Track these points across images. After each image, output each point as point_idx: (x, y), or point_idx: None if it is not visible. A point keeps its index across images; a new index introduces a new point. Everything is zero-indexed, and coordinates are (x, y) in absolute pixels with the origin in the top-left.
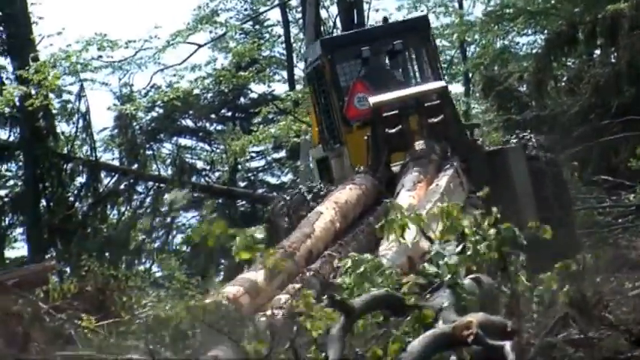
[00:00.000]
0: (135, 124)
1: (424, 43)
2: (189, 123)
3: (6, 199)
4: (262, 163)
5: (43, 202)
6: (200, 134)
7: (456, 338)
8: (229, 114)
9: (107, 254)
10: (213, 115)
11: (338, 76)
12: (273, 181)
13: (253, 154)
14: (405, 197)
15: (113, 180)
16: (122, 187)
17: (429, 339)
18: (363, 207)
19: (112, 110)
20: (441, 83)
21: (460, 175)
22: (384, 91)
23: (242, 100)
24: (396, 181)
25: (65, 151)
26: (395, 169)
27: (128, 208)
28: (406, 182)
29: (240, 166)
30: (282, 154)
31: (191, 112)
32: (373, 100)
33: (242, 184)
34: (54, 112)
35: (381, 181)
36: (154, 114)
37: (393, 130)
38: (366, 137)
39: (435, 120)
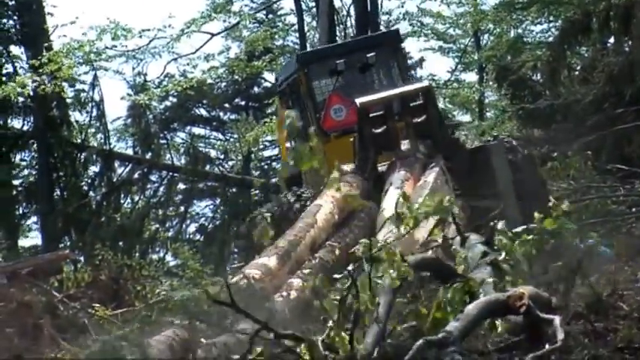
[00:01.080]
0: (148, 113)
1: (396, 55)
2: (202, 112)
3: (20, 189)
4: (275, 152)
5: (57, 192)
6: (214, 123)
7: (509, 307)
8: (243, 103)
9: (121, 243)
10: (226, 105)
11: (313, 89)
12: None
13: (266, 143)
14: (394, 194)
15: (127, 169)
16: (136, 176)
17: (485, 304)
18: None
19: (125, 100)
20: (425, 83)
21: (445, 173)
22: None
23: (255, 89)
24: (384, 179)
25: (79, 140)
26: (381, 168)
27: (142, 197)
28: (394, 180)
29: (253, 155)
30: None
31: (205, 101)
32: (360, 100)
33: (255, 173)
34: (67, 101)
35: (369, 180)
36: (168, 103)
37: (379, 130)
38: (352, 139)
39: (419, 119)
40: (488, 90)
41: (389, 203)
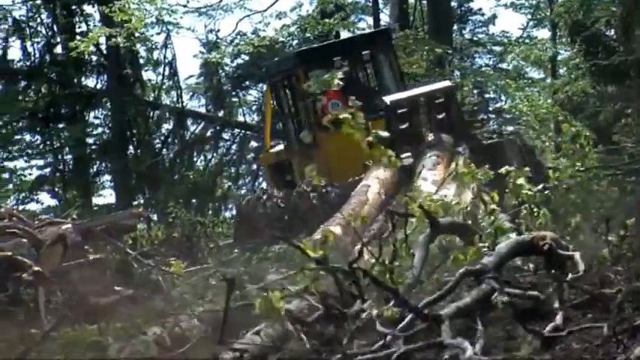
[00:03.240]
0: (221, 71)
1: (386, 52)
2: None
3: (93, 147)
4: None
5: (130, 150)
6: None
7: (534, 246)
8: None
9: (194, 201)
10: None
11: (310, 85)
12: None
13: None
14: (429, 175)
15: (199, 127)
16: (208, 134)
17: (513, 243)
18: (393, 185)
19: (198, 58)
20: (448, 83)
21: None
22: (355, 97)
23: None
24: (415, 165)
25: (152, 98)
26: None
27: (214, 154)
28: (426, 163)
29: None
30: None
31: (277, 59)
32: (389, 98)
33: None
34: (140, 59)
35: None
36: (240, 61)
37: (405, 126)
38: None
39: (442, 115)
40: (561, 47)
41: (424, 180)
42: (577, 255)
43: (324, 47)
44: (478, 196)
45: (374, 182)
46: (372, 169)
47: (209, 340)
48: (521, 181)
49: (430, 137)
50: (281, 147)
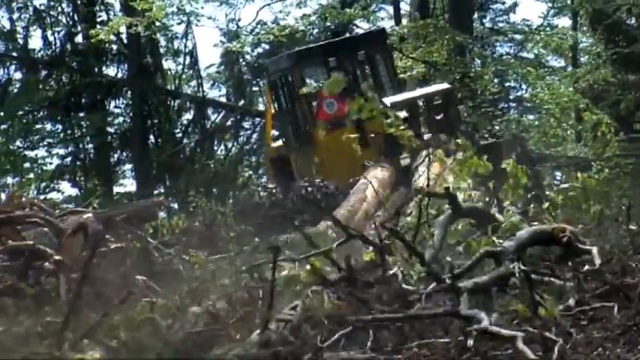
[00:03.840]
0: (241, 60)
1: (382, 53)
2: None
3: (114, 136)
4: None
5: (151, 139)
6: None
7: (553, 237)
8: None
9: (214, 190)
10: None
11: (306, 84)
12: None
13: None
14: (423, 177)
15: (220, 116)
16: (229, 123)
17: (534, 231)
18: (390, 184)
19: (218, 47)
20: (446, 85)
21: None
22: (349, 97)
23: (347, 35)
24: (411, 168)
25: (172, 87)
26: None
27: (235, 144)
28: (420, 167)
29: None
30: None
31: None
32: (390, 100)
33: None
34: (161, 49)
35: (398, 168)
36: (260, 50)
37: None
38: (372, 135)
39: (441, 117)
40: (582, 35)
41: (421, 175)
42: (594, 249)
43: (321, 47)
44: (487, 190)
45: (373, 180)
46: (370, 169)
47: (251, 314)
48: (520, 174)
49: (428, 138)
50: (280, 142)
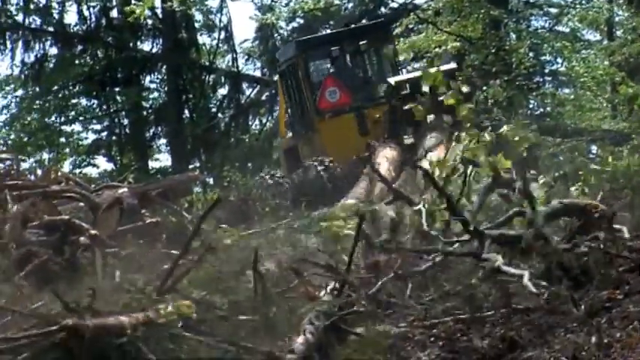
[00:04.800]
0: (276, 34)
1: (385, 43)
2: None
3: (149, 111)
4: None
5: (186, 114)
6: None
7: (585, 211)
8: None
9: (249, 165)
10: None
11: (310, 72)
12: None
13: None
14: (430, 155)
15: (255, 91)
16: (264, 97)
17: (569, 203)
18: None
19: (253, 20)
20: (452, 65)
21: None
22: (351, 85)
23: (383, 9)
24: (415, 146)
25: (207, 62)
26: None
27: (269, 118)
28: (428, 144)
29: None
30: (423, 63)
31: (332, 22)
32: (393, 80)
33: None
34: (195, 24)
35: (403, 147)
36: (295, 24)
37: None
38: (377, 116)
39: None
40: (618, 8)
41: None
42: (624, 228)
43: (324, 37)
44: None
45: (383, 161)
46: (379, 149)
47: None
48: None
49: (431, 118)
50: (291, 133)
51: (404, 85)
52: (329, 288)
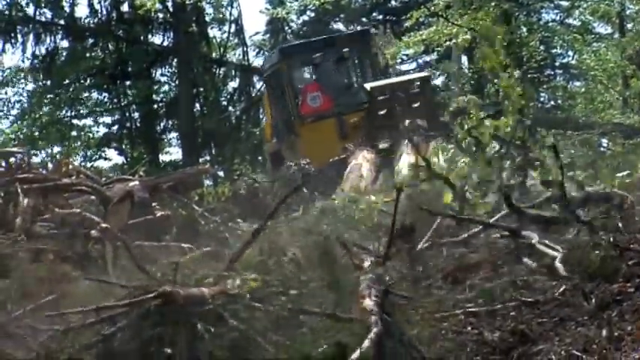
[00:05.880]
0: (286, 27)
1: (366, 52)
2: (340, 26)
3: (160, 104)
4: (413, 66)
5: (197, 107)
6: None
7: (609, 199)
8: (380, 17)
9: (260, 157)
10: (364, 19)
11: (294, 78)
12: None
13: (404, 57)
14: (407, 158)
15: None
16: None
17: (601, 192)
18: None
19: (264, 13)
20: (425, 73)
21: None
22: (333, 91)
23: (393, 2)
24: (393, 151)
25: (218, 55)
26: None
27: None
28: (405, 148)
29: (390, 70)
30: (433, 56)
31: (342, 15)
32: (370, 85)
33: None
34: (206, 17)
35: (379, 151)
36: (306, 18)
37: (383, 112)
38: (355, 119)
39: (417, 104)
40: (629, 1)
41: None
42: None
43: (307, 44)
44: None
45: (364, 161)
46: (357, 152)
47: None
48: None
49: (407, 123)
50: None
51: (380, 90)
52: (369, 261)
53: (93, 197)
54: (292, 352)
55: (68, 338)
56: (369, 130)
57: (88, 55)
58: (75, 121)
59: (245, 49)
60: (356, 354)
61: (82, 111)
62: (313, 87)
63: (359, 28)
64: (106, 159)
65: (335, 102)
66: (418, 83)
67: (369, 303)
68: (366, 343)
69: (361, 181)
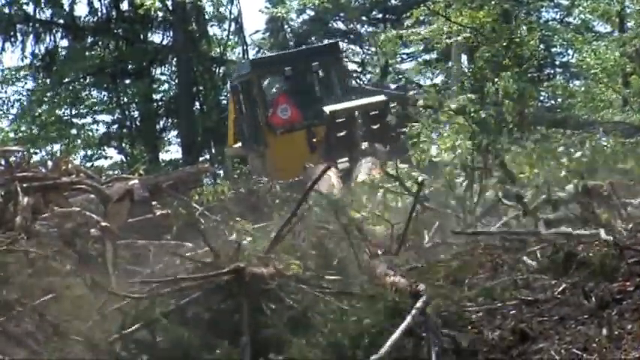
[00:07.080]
0: (286, 26)
1: (335, 64)
2: (340, 25)
3: (160, 103)
4: (413, 64)
5: (197, 106)
6: (351, 36)
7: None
8: (380, 16)
9: None
10: (363, 17)
11: (264, 90)
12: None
13: (404, 56)
14: (364, 176)
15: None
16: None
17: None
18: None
19: (263, 12)
20: (382, 97)
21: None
22: (303, 104)
23: (393, 1)
24: (351, 171)
25: (217, 54)
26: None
27: None
28: (363, 169)
29: (390, 68)
30: (434, 55)
31: (342, 14)
32: (329, 108)
33: (392, 86)
34: (206, 15)
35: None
36: (305, 16)
37: (342, 134)
38: (314, 140)
39: (376, 126)
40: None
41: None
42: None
43: (277, 57)
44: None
45: (332, 175)
46: (314, 169)
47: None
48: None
49: (365, 146)
50: (240, 144)
51: (339, 113)
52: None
53: (92, 196)
54: (342, 330)
55: (144, 305)
56: (329, 149)
57: (87, 53)
58: (75, 120)
59: (245, 47)
60: (407, 320)
61: (81, 110)
62: (283, 99)
63: (326, 41)
64: (106, 157)
65: (304, 114)
66: (378, 107)
67: (401, 279)
68: (414, 311)
69: (333, 189)
